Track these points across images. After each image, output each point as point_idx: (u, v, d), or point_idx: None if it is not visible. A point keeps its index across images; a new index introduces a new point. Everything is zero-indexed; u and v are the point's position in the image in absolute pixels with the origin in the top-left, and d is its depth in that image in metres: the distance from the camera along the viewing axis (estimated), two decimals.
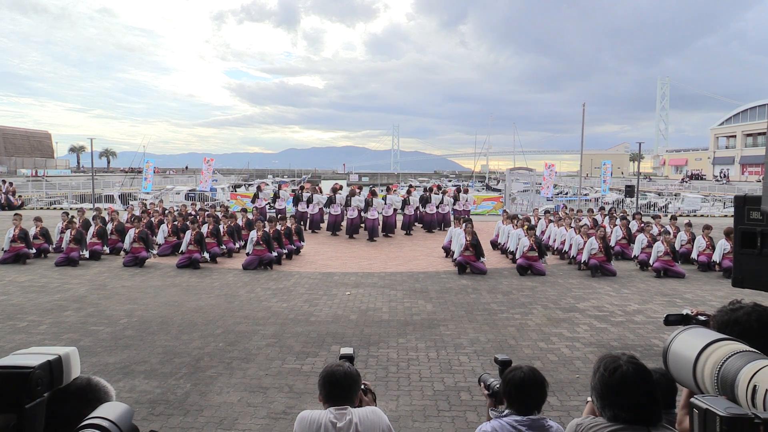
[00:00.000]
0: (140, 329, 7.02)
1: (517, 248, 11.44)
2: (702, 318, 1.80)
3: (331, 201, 16.69)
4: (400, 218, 17.20)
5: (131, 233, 11.77)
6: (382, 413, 2.21)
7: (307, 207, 16.99)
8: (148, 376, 5.46)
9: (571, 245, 12.00)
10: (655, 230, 12.65)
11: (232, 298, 8.77)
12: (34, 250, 11.77)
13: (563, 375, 5.58)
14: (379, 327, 7.25)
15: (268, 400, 4.94)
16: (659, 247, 11.11)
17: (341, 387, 2.16)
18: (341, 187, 17.75)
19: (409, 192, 18.18)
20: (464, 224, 11.58)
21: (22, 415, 1.01)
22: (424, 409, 4.81)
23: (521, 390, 2.10)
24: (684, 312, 1.52)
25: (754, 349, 1.02)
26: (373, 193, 16.67)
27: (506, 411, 2.14)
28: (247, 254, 11.61)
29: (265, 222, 12.21)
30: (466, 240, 11.09)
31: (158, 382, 5.31)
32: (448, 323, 7.44)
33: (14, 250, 11.53)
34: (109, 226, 13.07)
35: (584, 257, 11.08)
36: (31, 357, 1.09)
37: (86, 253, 11.77)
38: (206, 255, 11.63)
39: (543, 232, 13.78)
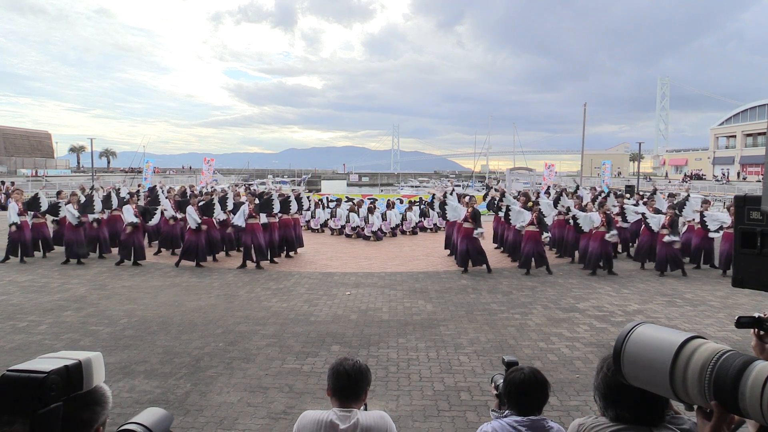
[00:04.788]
0: (140, 329, 7.01)
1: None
2: None
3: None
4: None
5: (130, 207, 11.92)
6: (389, 418, 2.16)
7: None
8: (148, 376, 5.46)
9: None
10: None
11: (232, 298, 8.77)
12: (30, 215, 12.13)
13: (563, 375, 5.58)
14: (379, 327, 7.25)
15: (268, 400, 4.94)
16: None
17: (349, 378, 2.12)
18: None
19: (409, 208, 18.48)
20: (467, 197, 12.36)
21: (35, 420, 1.01)
22: (424, 409, 4.81)
23: (521, 391, 2.10)
24: (756, 315, 1.46)
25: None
26: (370, 210, 16.80)
27: (507, 411, 2.14)
28: (241, 228, 11.40)
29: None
30: (467, 212, 11.38)
31: (158, 382, 5.31)
32: (448, 323, 7.43)
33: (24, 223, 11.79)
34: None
35: (585, 228, 11.31)
36: (51, 361, 1.08)
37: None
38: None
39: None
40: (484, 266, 11.13)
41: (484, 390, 5.16)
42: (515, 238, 11.90)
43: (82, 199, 12.43)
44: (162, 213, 12.73)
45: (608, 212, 11.41)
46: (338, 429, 2.04)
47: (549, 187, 19.09)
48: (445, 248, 13.44)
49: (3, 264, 11.43)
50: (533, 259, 11.11)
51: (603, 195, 15.66)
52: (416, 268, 11.63)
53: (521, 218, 11.39)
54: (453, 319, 7.61)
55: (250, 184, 39.13)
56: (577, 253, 12.15)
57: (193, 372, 5.59)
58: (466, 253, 11.09)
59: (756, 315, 1.45)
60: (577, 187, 16.77)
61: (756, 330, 1.60)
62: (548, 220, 11.92)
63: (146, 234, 13.30)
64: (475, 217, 11.25)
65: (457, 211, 11.66)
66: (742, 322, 1.43)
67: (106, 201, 12.63)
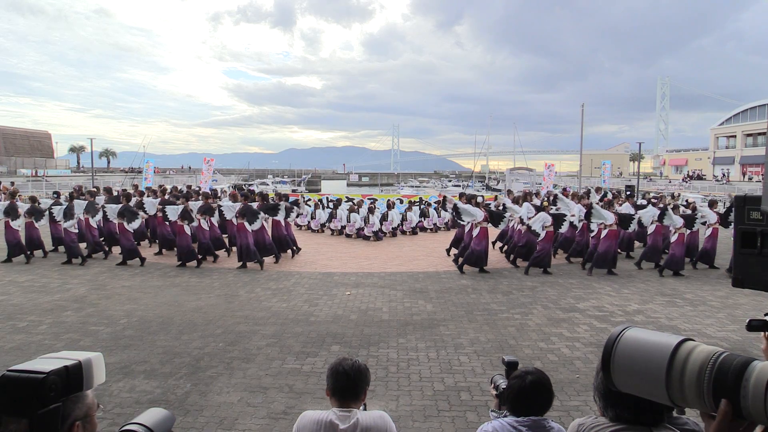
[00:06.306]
0: (140, 329, 7.01)
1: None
2: None
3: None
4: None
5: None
6: (389, 418, 2.15)
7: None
8: (148, 376, 5.46)
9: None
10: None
11: (232, 298, 8.77)
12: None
13: (563, 375, 5.58)
14: (379, 327, 7.25)
15: (268, 400, 4.94)
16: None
17: (348, 378, 2.12)
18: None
19: (409, 208, 18.44)
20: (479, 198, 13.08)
21: (34, 420, 1.01)
22: (424, 409, 4.81)
23: (522, 396, 2.09)
24: (766, 318, 1.44)
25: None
26: (371, 210, 16.76)
27: (506, 411, 2.13)
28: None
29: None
30: (484, 214, 11.48)
31: (158, 382, 5.31)
32: (448, 323, 7.43)
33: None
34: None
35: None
36: (51, 361, 1.07)
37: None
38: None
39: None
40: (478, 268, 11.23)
41: (484, 390, 5.16)
42: (528, 238, 11.82)
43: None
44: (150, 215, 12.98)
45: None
46: (338, 429, 2.04)
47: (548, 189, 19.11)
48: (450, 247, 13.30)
49: (3, 264, 11.44)
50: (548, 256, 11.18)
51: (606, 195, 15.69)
52: (416, 268, 11.63)
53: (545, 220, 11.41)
54: (453, 319, 7.61)
55: (250, 185, 39.20)
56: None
57: (193, 372, 5.59)
58: (485, 252, 11.14)
59: (766, 318, 1.43)
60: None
61: (766, 333, 1.59)
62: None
63: (153, 239, 13.59)
64: (492, 217, 11.43)
65: (474, 213, 11.58)
66: (753, 325, 1.42)
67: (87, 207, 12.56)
